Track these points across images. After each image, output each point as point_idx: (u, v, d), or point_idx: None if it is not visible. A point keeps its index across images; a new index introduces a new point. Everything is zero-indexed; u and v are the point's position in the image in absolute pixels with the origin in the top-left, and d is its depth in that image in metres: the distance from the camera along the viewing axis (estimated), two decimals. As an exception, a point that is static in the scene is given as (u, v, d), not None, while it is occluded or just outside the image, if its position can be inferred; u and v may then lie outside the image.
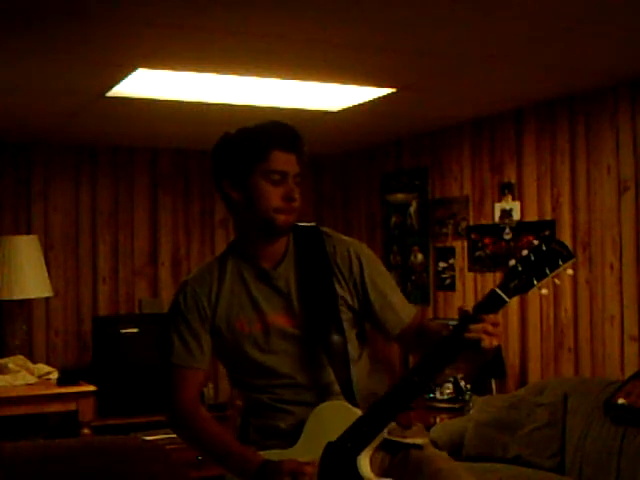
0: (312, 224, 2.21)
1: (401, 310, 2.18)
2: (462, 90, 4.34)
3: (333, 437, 1.98)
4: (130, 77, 3.79)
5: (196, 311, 2.11)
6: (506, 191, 4.93)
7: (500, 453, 4.07)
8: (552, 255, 1.88)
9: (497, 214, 4.98)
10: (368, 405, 2.01)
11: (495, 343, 1.86)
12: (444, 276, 5.45)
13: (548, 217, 4.63)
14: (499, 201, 4.98)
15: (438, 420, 4.50)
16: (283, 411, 2.08)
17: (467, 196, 5.25)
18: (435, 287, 5.53)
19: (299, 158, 2.10)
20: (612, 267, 4.22)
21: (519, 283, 1.89)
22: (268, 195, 2.05)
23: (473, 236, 5.20)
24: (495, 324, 1.87)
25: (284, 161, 2.06)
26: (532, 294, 1.95)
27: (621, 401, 3.69)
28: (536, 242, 1.91)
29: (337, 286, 2.11)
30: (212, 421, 2.12)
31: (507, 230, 4.91)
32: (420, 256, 5.67)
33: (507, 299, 1.88)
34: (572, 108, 4.50)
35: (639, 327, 4.08)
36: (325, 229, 2.21)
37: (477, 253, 5.16)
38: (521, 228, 4.81)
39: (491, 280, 5.04)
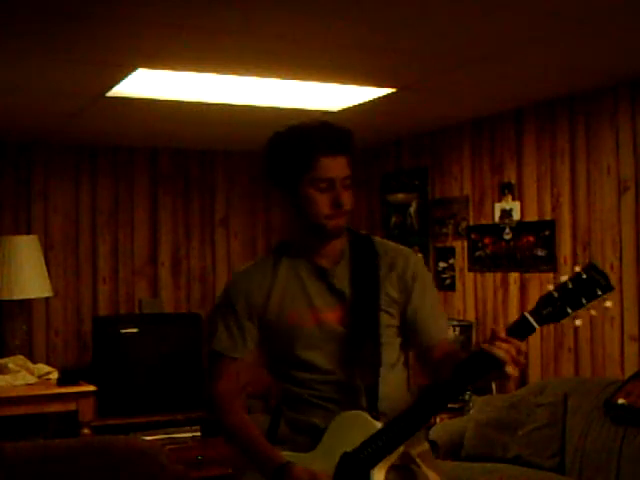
0: (365, 233, 2.24)
1: (440, 326, 2.18)
2: (462, 90, 4.34)
3: (350, 447, 1.98)
4: (130, 77, 3.79)
5: (245, 302, 2.13)
6: (506, 191, 4.93)
7: (500, 453, 4.07)
8: (591, 284, 1.79)
9: (497, 214, 4.98)
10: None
11: (516, 373, 1.83)
12: (444, 276, 5.45)
13: (548, 217, 4.63)
14: (499, 201, 4.99)
15: (438, 420, 4.49)
16: (320, 407, 2.09)
17: (467, 196, 5.25)
18: (435, 287, 5.51)
19: (349, 158, 2.09)
20: (612, 267, 4.22)
21: (552, 311, 1.81)
22: (316, 203, 2.05)
23: (473, 236, 5.20)
24: (519, 350, 1.82)
25: (330, 167, 2.05)
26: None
27: (621, 401, 3.69)
28: (577, 269, 1.81)
29: (390, 289, 2.13)
30: (243, 415, 2.14)
31: (507, 230, 4.91)
32: (420, 256, 5.66)
33: (536, 326, 1.83)
34: (572, 108, 4.50)
35: (639, 327, 4.08)
36: (377, 238, 2.24)
37: (477, 253, 5.16)
38: (521, 228, 4.81)
39: (491, 280, 5.04)
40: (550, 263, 4.60)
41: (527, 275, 4.78)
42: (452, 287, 5.37)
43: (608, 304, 1.80)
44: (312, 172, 2.04)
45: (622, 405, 3.67)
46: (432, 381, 2.06)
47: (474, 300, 5.20)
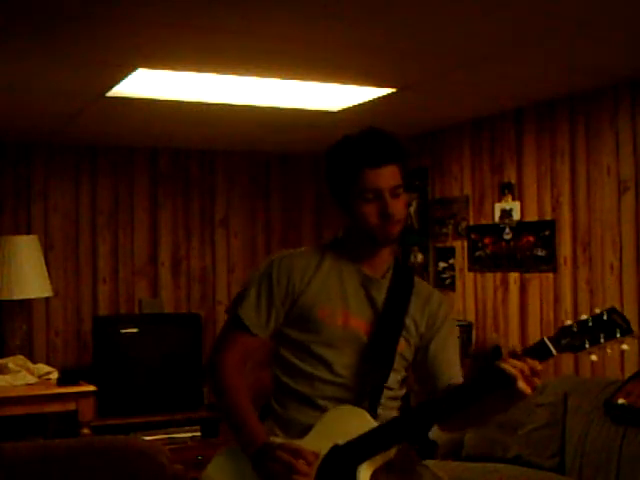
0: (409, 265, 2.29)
1: (456, 373, 2.16)
2: (462, 90, 4.34)
3: (342, 439, 1.97)
4: (130, 77, 3.79)
5: (285, 284, 2.11)
6: (506, 191, 4.93)
7: (500, 453, 4.07)
8: (611, 325, 1.87)
9: (497, 214, 4.98)
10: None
11: (529, 391, 1.84)
12: (444, 276, 5.45)
13: (548, 217, 4.63)
14: (499, 201, 4.99)
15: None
16: (319, 408, 2.06)
17: (467, 196, 5.26)
18: (435, 287, 5.50)
19: (399, 168, 2.13)
20: (612, 267, 4.22)
21: (571, 342, 1.88)
22: (364, 214, 2.07)
23: (473, 236, 5.20)
24: (534, 371, 1.85)
25: (375, 178, 2.06)
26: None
27: (621, 401, 3.69)
28: (597, 310, 1.90)
29: (418, 318, 2.15)
30: (242, 390, 2.09)
31: (507, 230, 4.91)
32: (420, 256, 5.67)
33: (554, 352, 1.88)
34: (572, 108, 4.50)
35: (639, 327, 4.08)
36: (418, 277, 2.26)
37: (477, 253, 5.16)
38: (521, 228, 4.81)
39: (491, 280, 5.04)
40: (550, 263, 4.60)
41: (527, 275, 4.78)
42: (452, 287, 5.37)
43: (625, 347, 1.88)
44: (358, 184, 2.06)
45: (622, 405, 3.67)
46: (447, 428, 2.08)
47: (474, 300, 5.20)
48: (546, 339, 1.88)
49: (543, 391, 4.15)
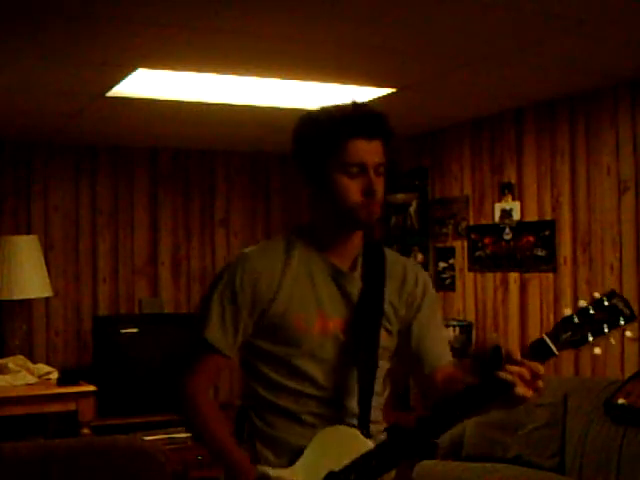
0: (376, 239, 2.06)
1: (443, 351, 2.02)
2: (462, 90, 4.34)
3: (336, 465, 1.81)
4: (130, 77, 3.79)
5: (250, 293, 1.89)
6: (506, 191, 4.93)
7: (500, 453, 4.07)
8: (613, 312, 1.70)
9: (497, 214, 4.98)
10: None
11: (529, 394, 1.70)
12: (444, 276, 5.45)
13: (548, 217, 4.63)
14: (499, 201, 4.98)
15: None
16: (307, 425, 1.90)
17: (467, 196, 5.25)
18: (435, 287, 5.48)
19: (383, 144, 1.90)
20: (612, 267, 4.22)
21: (572, 336, 1.71)
22: (346, 190, 1.86)
23: (473, 236, 5.20)
24: (535, 374, 1.71)
25: (363, 151, 1.85)
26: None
27: (621, 401, 3.69)
28: (597, 295, 1.72)
29: (396, 302, 1.98)
30: (215, 414, 1.93)
31: (507, 230, 4.91)
32: (420, 256, 5.67)
33: (556, 352, 1.72)
34: (572, 108, 4.50)
35: (639, 327, 4.07)
36: (388, 249, 2.06)
37: (477, 253, 5.16)
38: (521, 228, 4.81)
39: (491, 280, 5.04)
40: (550, 263, 4.60)
41: (527, 275, 4.78)
42: (452, 287, 5.37)
43: (629, 334, 1.72)
44: (342, 155, 1.85)
45: (622, 405, 3.67)
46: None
47: (474, 300, 5.20)
48: (545, 336, 1.72)
49: (543, 391, 4.14)
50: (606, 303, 1.71)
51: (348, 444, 1.85)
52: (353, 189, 1.86)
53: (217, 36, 3.24)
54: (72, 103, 4.39)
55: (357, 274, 1.96)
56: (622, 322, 1.71)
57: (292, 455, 1.87)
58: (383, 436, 1.89)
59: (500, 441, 4.09)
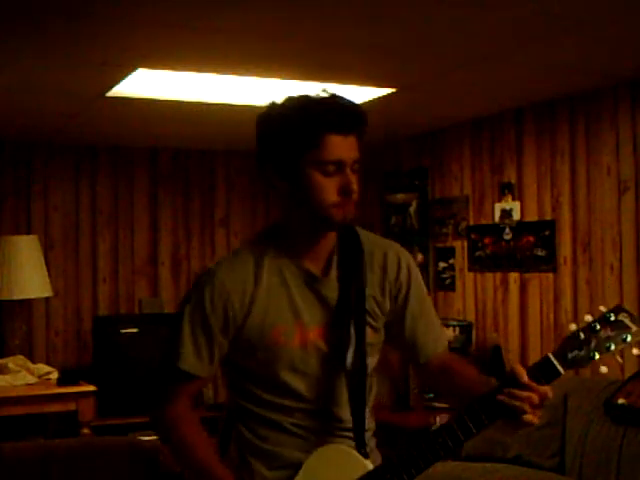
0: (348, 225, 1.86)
1: (437, 336, 1.94)
2: (462, 90, 4.34)
3: None
4: (130, 77, 3.79)
5: (222, 313, 1.77)
6: (506, 191, 4.93)
7: (500, 453, 4.07)
8: (619, 328, 1.64)
9: (497, 214, 4.98)
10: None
11: (536, 421, 1.62)
12: (444, 276, 5.45)
13: (548, 217, 4.63)
14: (499, 201, 4.98)
15: (438, 420, 4.49)
16: (299, 437, 1.81)
17: (467, 196, 5.25)
18: (435, 287, 5.53)
19: (358, 139, 1.76)
20: (612, 267, 4.22)
21: (578, 354, 1.63)
22: (321, 188, 1.72)
23: (473, 236, 5.20)
24: (543, 397, 1.62)
25: (340, 147, 1.72)
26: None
27: (621, 401, 3.69)
28: (603, 309, 1.67)
29: (379, 297, 1.86)
30: (200, 438, 1.83)
31: (507, 230, 4.91)
32: (420, 256, 5.66)
33: (562, 371, 1.63)
34: (572, 108, 4.50)
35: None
36: (361, 230, 1.91)
37: (477, 253, 5.16)
38: (521, 228, 4.81)
39: (491, 280, 5.04)
40: (550, 263, 4.60)
41: (527, 275, 4.78)
42: (452, 287, 5.37)
43: (635, 352, 1.67)
44: (318, 151, 1.71)
45: (622, 405, 3.67)
46: (435, 392, 1.85)
47: (474, 300, 5.20)
48: (551, 356, 1.64)
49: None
50: (612, 318, 1.65)
51: (345, 465, 1.77)
52: (329, 188, 1.73)
53: (217, 36, 3.23)
54: (72, 103, 4.39)
55: (332, 276, 1.83)
56: (629, 339, 1.65)
57: (284, 468, 1.80)
58: (373, 443, 1.87)
59: (500, 441, 4.09)
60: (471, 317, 5.19)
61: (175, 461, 1.92)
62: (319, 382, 1.81)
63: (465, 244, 5.26)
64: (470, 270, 5.22)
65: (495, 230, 5.00)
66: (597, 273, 4.31)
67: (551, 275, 4.60)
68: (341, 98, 1.77)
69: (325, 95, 1.77)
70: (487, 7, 2.93)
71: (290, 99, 1.79)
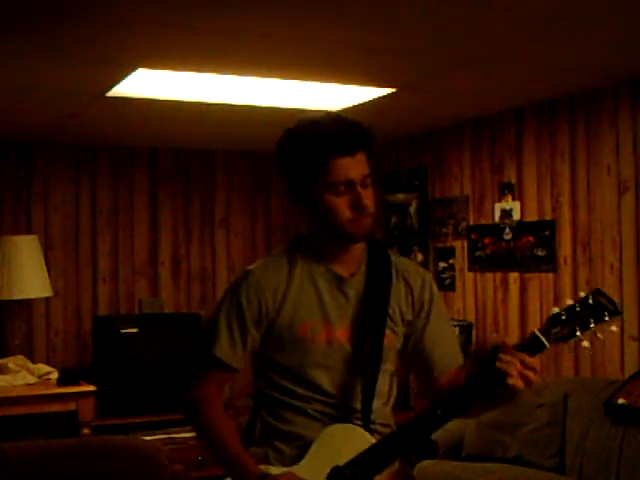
0: (382, 243, 2.09)
1: (455, 354, 2.07)
2: (462, 90, 4.34)
3: (341, 461, 1.87)
4: (130, 77, 3.79)
5: (257, 308, 1.93)
6: (506, 191, 4.93)
7: (500, 453, 4.07)
8: (598, 308, 1.83)
9: (497, 214, 4.98)
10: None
11: (520, 384, 1.76)
12: (444, 276, 5.45)
13: (548, 217, 4.63)
14: (499, 201, 4.98)
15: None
16: (316, 420, 1.95)
17: (467, 196, 5.25)
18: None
19: (367, 154, 1.93)
20: (612, 267, 4.22)
21: (561, 331, 1.81)
22: (335, 208, 1.89)
23: (473, 236, 5.20)
24: (528, 366, 1.77)
25: (348, 168, 1.88)
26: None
27: (621, 401, 3.69)
28: (582, 294, 1.86)
29: (403, 307, 2.01)
30: (224, 421, 1.96)
31: (507, 230, 4.91)
32: (420, 256, 5.67)
33: (547, 344, 1.81)
34: (572, 108, 4.50)
35: (639, 327, 4.08)
36: (393, 252, 2.10)
37: (477, 253, 5.16)
38: (521, 228, 4.81)
39: (491, 280, 5.04)
40: (550, 263, 4.60)
41: (527, 275, 4.78)
42: (452, 287, 5.37)
43: (614, 329, 1.82)
44: (328, 176, 1.87)
45: (622, 405, 3.67)
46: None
47: (474, 300, 5.20)
48: (537, 331, 1.81)
49: (543, 391, 4.15)
50: (591, 301, 1.83)
51: (352, 440, 1.90)
52: (342, 206, 1.89)
53: (217, 36, 3.23)
54: (72, 103, 4.39)
55: (359, 278, 1.98)
56: (607, 317, 1.81)
57: (302, 447, 1.93)
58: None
59: (500, 441, 4.09)
60: (471, 317, 5.19)
61: (199, 440, 2.05)
62: (340, 377, 1.95)
63: (465, 244, 5.26)
64: (470, 270, 5.22)
65: (495, 230, 5.00)
66: (597, 273, 4.31)
67: (551, 275, 4.60)
68: (345, 120, 1.92)
69: (329, 119, 1.92)
70: (487, 7, 2.93)
71: (298, 128, 1.94)
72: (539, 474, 3.86)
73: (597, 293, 1.85)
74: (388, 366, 2.02)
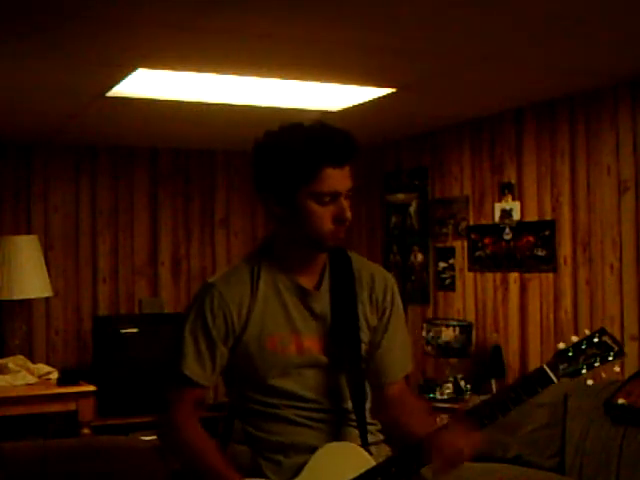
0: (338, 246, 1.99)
1: (406, 362, 2.07)
2: (462, 90, 4.34)
3: None
4: (130, 77, 3.79)
5: (223, 322, 1.89)
6: (506, 191, 4.93)
7: (500, 453, 4.07)
8: (604, 348, 1.86)
9: (497, 214, 4.98)
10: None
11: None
12: (444, 276, 5.45)
13: (548, 217, 4.63)
14: (499, 201, 4.98)
15: (438, 420, 4.49)
16: (311, 428, 1.91)
17: (467, 196, 5.25)
18: (435, 287, 5.53)
19: (351, 167, 1.89)
20: (612, 267, 4.22)
21: (568, 368, 1.85)
22: (317, 217, 1.84)
23: (473, 236, 5.20)
24: (470, 445, 1.83)
25: (336, 179, 1.83)
26: None
27: (621, 401, 3.68)
28: (587, 332, 1.89)
29: (368, 314, 1.99)
30: (204, 439, 1.91)
31: (507, 230, 4.91)
32: (420, 256, 5.67)
33: (556, 380, 1.84)
34: (572, 108, 4.50)
35: (639, 327, 4.08)
36: (351, 252, 2.04)
37: (477, 253, 5.16)
38: (521, 228, 4.81)
39: (491, 280, 5.04)
40: (550, 263, 4.60)
41: (527, 275, 4.78)
42: (452, 287, 5.37)
43: (617, 369, 1.88)
44: (315, 184, 1.82)
45: (622, 405, 3.67)
46: (379, 419, 2.00)
47: (474, 300, 5.20)
48: (546, 367, 1.84)
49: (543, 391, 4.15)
50: (596, 340, 1.86)
51: (350, 460, 1.86)
52: (325, 217, 1.84)
53: (217, 36, 3.23)
54: (72, 103, 4.39)
55: (324, 290, 1.95)
56: (611, 358, 1.86)
57: (298, 454, 1.88)
58: (380, 438, 1.97)
59: (500, 441, 4.09)
60: (471, 317, 5.19)
61: (180, 464, 1.98)
62: (319, 385, 1.92)
63: (465, 244, 5.26)
64: (470, 270, 5.22)
65: (495, 230, 5.00)
66: (597, 273, 4.31)
67: (551, 275, 4.60)
68: (334, 130, 1.87)
69: (318, 127, 1.88)
70: (487, 7, 2.93)
71: (286, 131, 1.90)
72: (539, 474, 3.86)
73: (602, 332, 1.87)
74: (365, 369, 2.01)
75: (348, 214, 1.86)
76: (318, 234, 1.86)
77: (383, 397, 2.02)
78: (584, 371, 1.84)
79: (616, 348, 1.86)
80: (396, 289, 2.06)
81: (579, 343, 1.85)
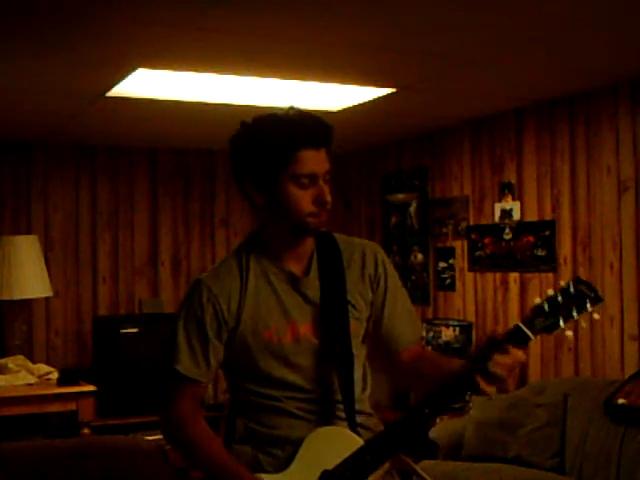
0: (324, 230, 2.01)
1: (414, 327, 2.09)
2: (462, 90, 4.34)
3: (330, 464, 1.84)
4: (130, 77, 3.79)
5: (214, 317, 1.90)
6: (506, 191, 4.93)
7: (500, 453, 4.07)
8: (580, 297, 1.80)
9: (497, 214, 4.98)
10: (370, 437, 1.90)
11: (493, 391, 1.78)
12: (444, 276, 5.45)
13: (548, 217, 4.63)
14: (499, 201, 4.98)
15: (438, 420, 4.49)
16: (300, 418, 1.93)
17: (467, 196, 5.25)
18: (435, 287, 5.53)
19: (328, 151, 1.90)
20: (612, 267, 4.22)
21: (544, 322, 1.79)
22: (298, 200, 1.86)
23: (473, 236, 5.20)
24: (520, 361, 1.78)
25: (313, 161, 1.86)
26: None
27: (621, 401, 3.69)
28: (563, 283, 1.82)
29: (363, 291, 2.00)
30: (208, 435, 1.93)
31: (507, 230, 4.91)
32: (420, 256, 5.67)
33: (532, 336, 1.78)
34: (572, 108, 4.50)
35: (639, 327, 4.08)
36: (337, 234, 2.06)
37: (477, 253, 5.16)
38: (521, 228, 4.81)
39: (491, 280, 5.04)
40: (550, 263, 4.60)
41: (527, 275, 4.78)
42: (452, 287, 5.37)
43: (596, 316, 1.80)
44: (292, 166, 1.85)
45: (622, 405, 3.67)
46: (404, 385, 1.98)
47: (474, 300, 5.20)
48: (521, 324, 1.79)
49: (543, 391, 4.15)
50: (572, 290, 1.80)
51: (339, 442, 1.88)
52: (305, 199, 1.87)
53: (217, 36, 3.23)
54: (72, 103, 4.39)
55: (313, 276, 1.97)
56: (589, 305, 1.79)
57: (292, 446, 1.90)
58: (371, 424, 1.97)
59: (500, 441, 4.09)
60: (471, 317, 5.19)
61: (184, 461, 2.00)
62: (314, 373, 1.94)
63: (465, 244, 5.26)
64: (470, 270, 5.22)
65: (495, 230, 5.00)
66: (597, 273, 4.31)
67: (551, 275, 4.60)
68: (308, 114, 1.89)
69: (291, 111, 1.89)
70: (487, 7, 2.93)
71: (260, 119, 1.92)
72: (539, 474, 3.86)
73: (578, 282, 1.81)
74: (357, 352, 1.99)
75: (328, 197, 1.88)
76: (300, 217, 1.88)
77: (402, 363, 2.03)
78: (561, 323, 1.78)
79: (592, 295, 1.79)
80: (387, 259, 2.07)
81: (554, 295, 1.80)
